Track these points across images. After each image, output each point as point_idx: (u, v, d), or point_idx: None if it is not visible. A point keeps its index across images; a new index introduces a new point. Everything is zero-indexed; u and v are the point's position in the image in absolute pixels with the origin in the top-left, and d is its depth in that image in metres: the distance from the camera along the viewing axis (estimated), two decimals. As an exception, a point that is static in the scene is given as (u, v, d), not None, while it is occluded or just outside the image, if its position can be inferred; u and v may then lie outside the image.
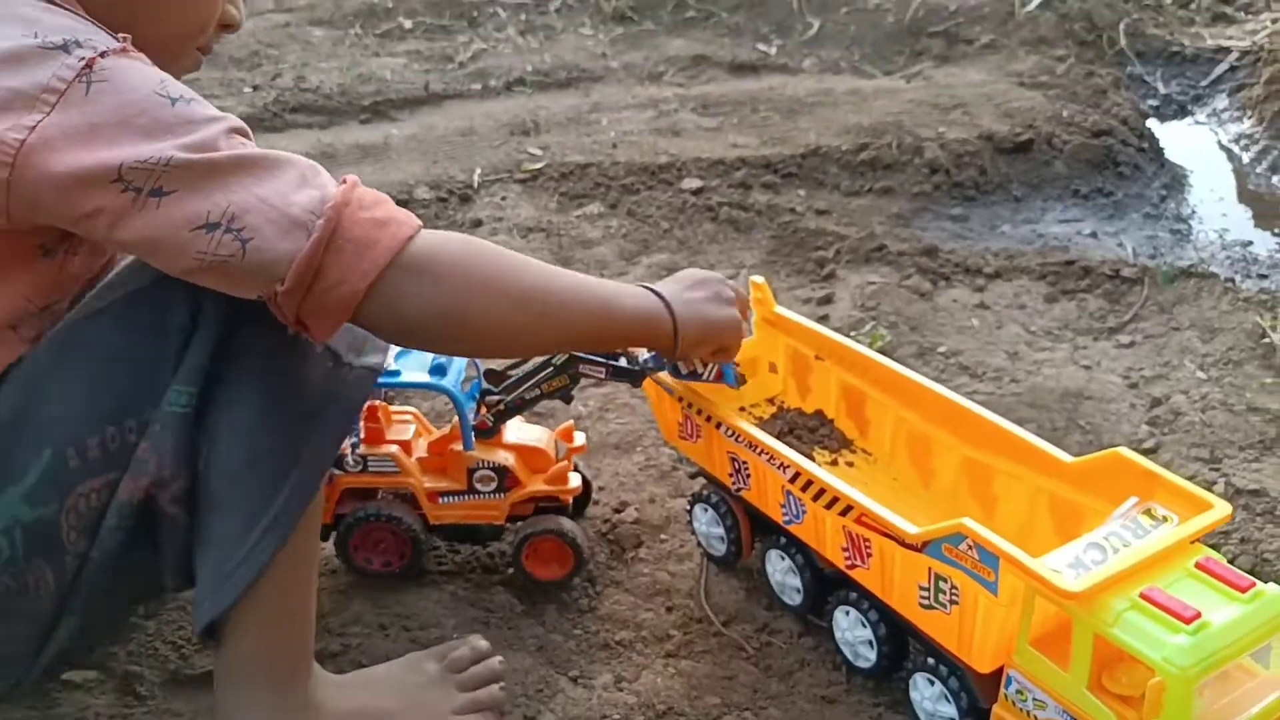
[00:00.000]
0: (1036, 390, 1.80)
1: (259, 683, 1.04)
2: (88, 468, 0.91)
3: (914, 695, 1.19)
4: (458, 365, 1.34)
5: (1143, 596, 0.97)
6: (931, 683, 1.16)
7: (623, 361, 1.30)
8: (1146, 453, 1.67)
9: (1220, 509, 1.06)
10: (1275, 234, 2.43)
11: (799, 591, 1.34)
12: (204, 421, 0.95)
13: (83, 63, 0.80)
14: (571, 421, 1.48)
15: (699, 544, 1.49)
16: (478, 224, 2.36)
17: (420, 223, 0.92)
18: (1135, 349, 1.94)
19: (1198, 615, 0.94)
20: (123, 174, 0.80)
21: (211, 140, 0.83)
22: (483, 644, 1.27)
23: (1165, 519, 1.07)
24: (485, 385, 1.36)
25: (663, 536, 1.53)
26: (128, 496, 0.93)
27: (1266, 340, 1.87)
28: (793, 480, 1.25)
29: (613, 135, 2.75)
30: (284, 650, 1.06)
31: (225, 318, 0.94)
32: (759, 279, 1.55)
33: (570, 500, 1.42)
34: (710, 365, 1.30)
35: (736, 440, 1.32)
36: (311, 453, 1.01)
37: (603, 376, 1.32)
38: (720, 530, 1.43)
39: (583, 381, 1.36)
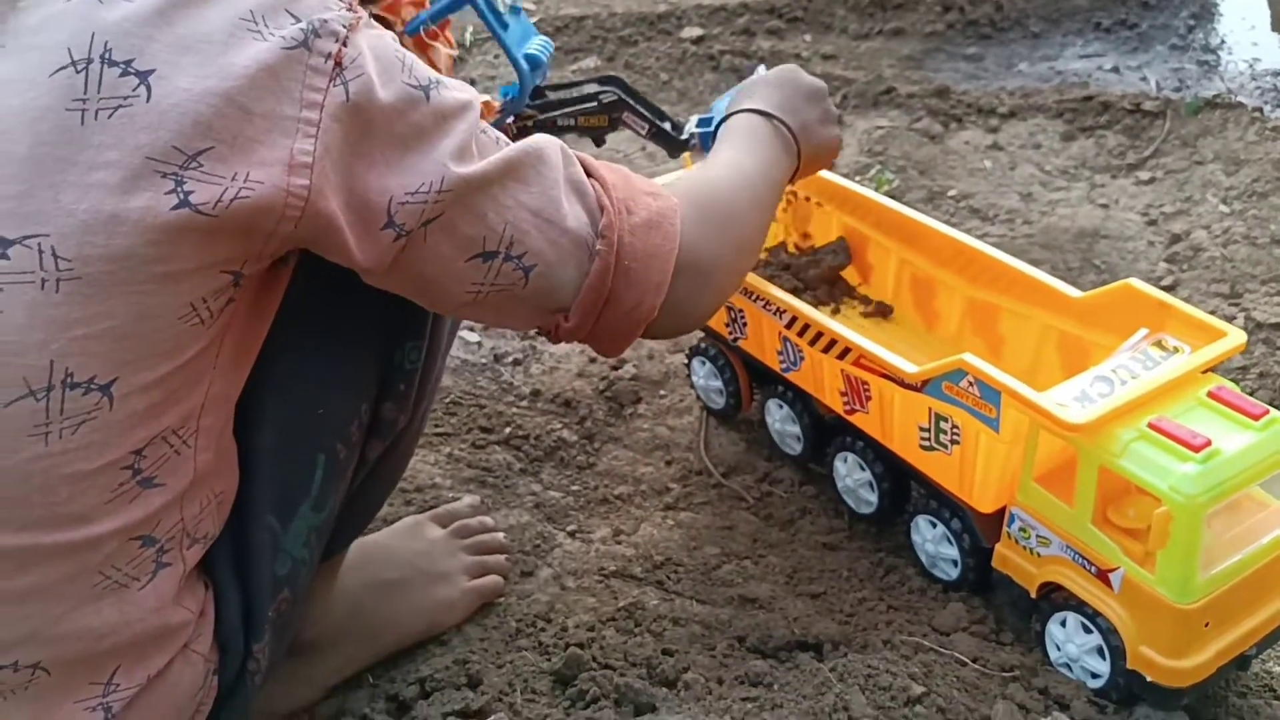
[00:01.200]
0: (1050, 231, 1.73)
1: (329, 583, 1.04)
2: (352, 451, 0.85)
3: (915, 538, 1.16)
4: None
5: (1151, 426, 0.93)
6: (934, 525, 1.13)
7: (668, 126, 1.18)
8: (1164, 290, 1.60)
9: (1235, 336, 1.01)
10: (1308, 62, 2.31)
11: (799, 440, 1.31)
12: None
13: (330, 60, 0.64)
14: None
15: (698, 398, 1.45)
16: (471, 83, 2.27)
17: (674, 200, 0.81)
18: (1155, 185, 1.86)
19: (1208, 443, 0.90)
20: (393, 215, 0.67)
21: (469, 140, 0.70)
22: (474, 499, 1.26)
23: (1177, 350, 1.02)
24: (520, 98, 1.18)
25: (661, 392, 1.50)
26: (375, 454, 0.89)
27: (1294, 170, 1.78)
28: (789, 325, 1.20)
29: (610, -15, 2.63)
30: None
31: None
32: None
33: None
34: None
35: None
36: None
37: (643, 133, 1.19)
38: (719, 383, 1.39)
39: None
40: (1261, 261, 1.63)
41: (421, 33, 1.09)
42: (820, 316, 1.16)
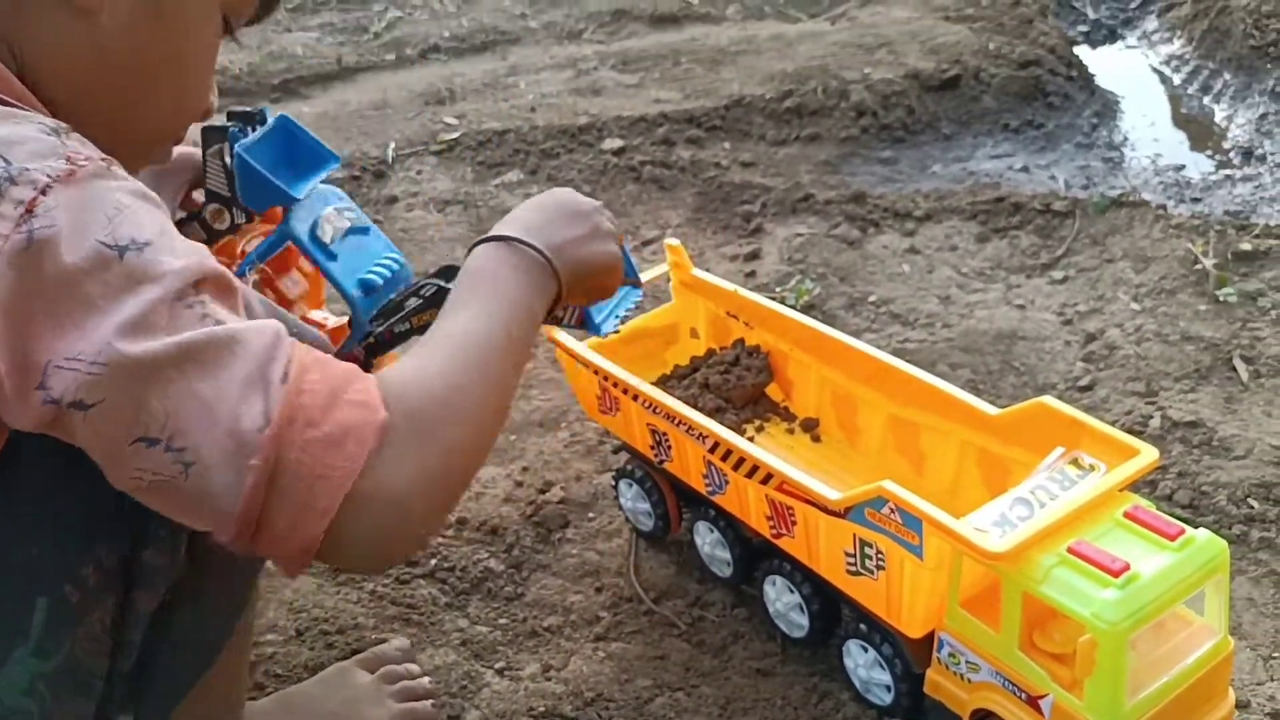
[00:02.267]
0: (970, 334, 1.76)
1: None
2: (93, 597, 0.78)
3: (848, 663, 1.15)
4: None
5: (1070, 551, 0.93)
6: (865, 650, 1.12)
7: None
8: (1082, 390, 1.64)
9: (1146, 455, 1.02)
10: (1208, 156, 2.40)
11: (729, 564, 1.29)
12: None
13: (22, 208, 0.62)
14: None
15: (627, 520, 1.43)
16: (393, 200, 2.28)
17: (381, 417, 0.69)
18: (1069, 284, 1.90)
19: (1126, 567, 0.90)
20: (46, 377, 0.63)
21: (159, 310, 0.65)
22: (403, 642, 1.22)
23: (1092, 468, 1.02)
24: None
25: (590, 514, 1.48)
26: (147, 606, 0.82)
27: (1199, 266, 1.83)
28: (712, 450, 1.20)
29: (531, 98, 2.67)
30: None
31: None
32: (674, 241, 1.49)
33: None
34: (570, 308, 1.08)
35: (654, 412, 1.26)
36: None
37: None
38: (647, 505, 1.38)
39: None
40: (1174, 359, 1.66)
41: (251, 272, 1.05)
42: (741, 442, 1.15)
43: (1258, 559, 1.34)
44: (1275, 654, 1.23)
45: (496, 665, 1.25)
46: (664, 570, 1.38)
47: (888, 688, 1.11)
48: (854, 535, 1.07)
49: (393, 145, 2.48)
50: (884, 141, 2.45)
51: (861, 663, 1.13)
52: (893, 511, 1.01)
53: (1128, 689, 0.90)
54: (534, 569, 1.39)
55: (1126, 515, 0.97)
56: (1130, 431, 1.53)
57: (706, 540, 1.32)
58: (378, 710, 1.13)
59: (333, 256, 1.05)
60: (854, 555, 1.08)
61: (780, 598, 1.22)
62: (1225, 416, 1.55)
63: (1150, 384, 1.63)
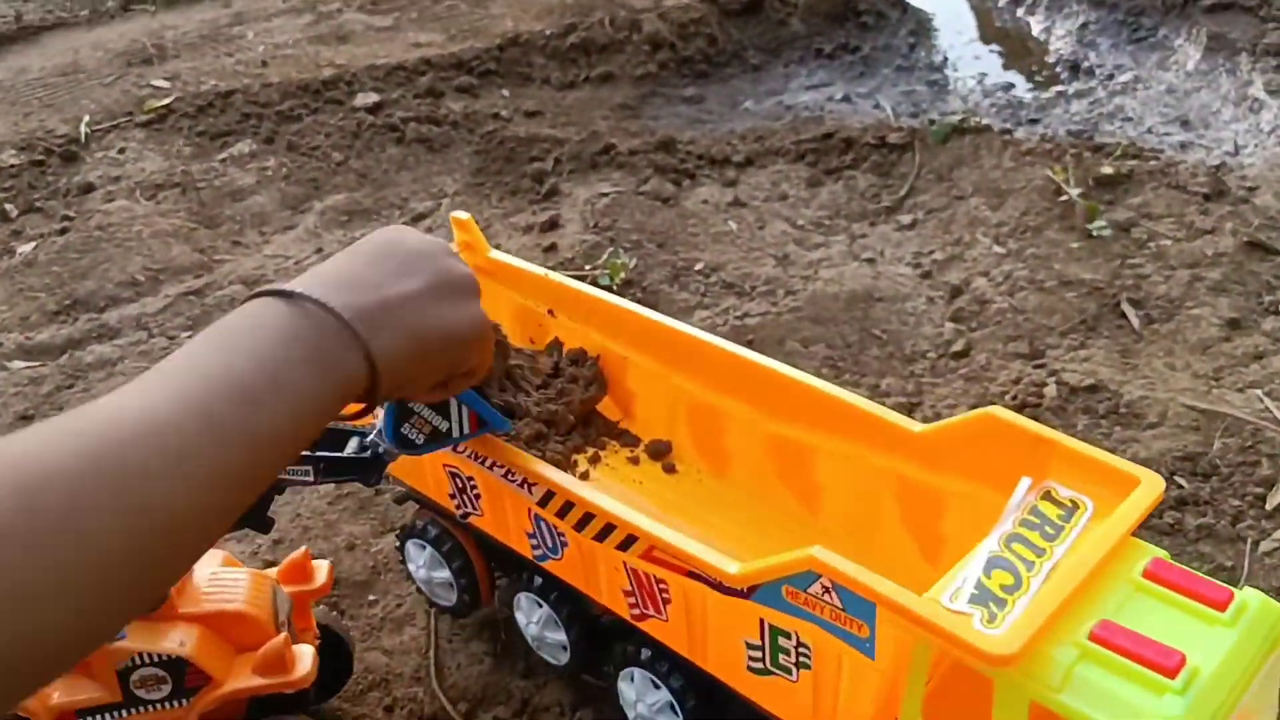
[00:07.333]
0: (818, 300, 1.46)
1: None
2: None
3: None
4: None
5: (1094, 639, 0.63)
6: (776, 774, 0.80)
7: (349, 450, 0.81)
8: (957, 357, 1.37)
9: (1151, 483, 0.73)
10: (1035, 72, 2.19)
11: (565, 649, 0.95)
12: None
13: None
14: (304, 549, 0.96)
15: (419, 590, 1.07)
16: (88, 189, 1.81)
17: None
18: (919, 229, 1.63)
19: (1183, 661, 0.61)
20: None
21: None
22: None
23: (1074, 505, 0.73)
24: None
25: (370, 597, 1.10)
26: None
27: (1063, 198, 1.60)
28: (543, 503, 0.85)
29: (261, 50, 2.24)
30: None
31: None
32: (462, 215, 1.11)
33: (308, 687, 0.89)
34: (456, 408, 0.79)
35: (454, 449, 0.91)
36: None
37: (311, 481, 0.81)
38: (446, 573, 1.02)
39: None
40: (1055, 310, 1.42)
41: None
42: (588, 491, 0.81)
43: (1199, 552, 1.10)
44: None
45: None
46: (476, 666, 1.03)
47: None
48: (762, 621, 0.74)
49: (86, 119, 1.99)
50: (686, 77, 2.13)
51: (772, 788, 0.81)
52: (827, 591, 0.69)
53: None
54: (302, 683, 1.01)
55: (1146, 575, 0.68)
56: (1024, 405, 1.28)
57: (532, 619, 0.97)
58: None
59: None
60: (760, 649, 0.76)
61: (644, 697, 0.89)
62: (1126, 374, 1.31)
63: (1033, 342, 1.38)
